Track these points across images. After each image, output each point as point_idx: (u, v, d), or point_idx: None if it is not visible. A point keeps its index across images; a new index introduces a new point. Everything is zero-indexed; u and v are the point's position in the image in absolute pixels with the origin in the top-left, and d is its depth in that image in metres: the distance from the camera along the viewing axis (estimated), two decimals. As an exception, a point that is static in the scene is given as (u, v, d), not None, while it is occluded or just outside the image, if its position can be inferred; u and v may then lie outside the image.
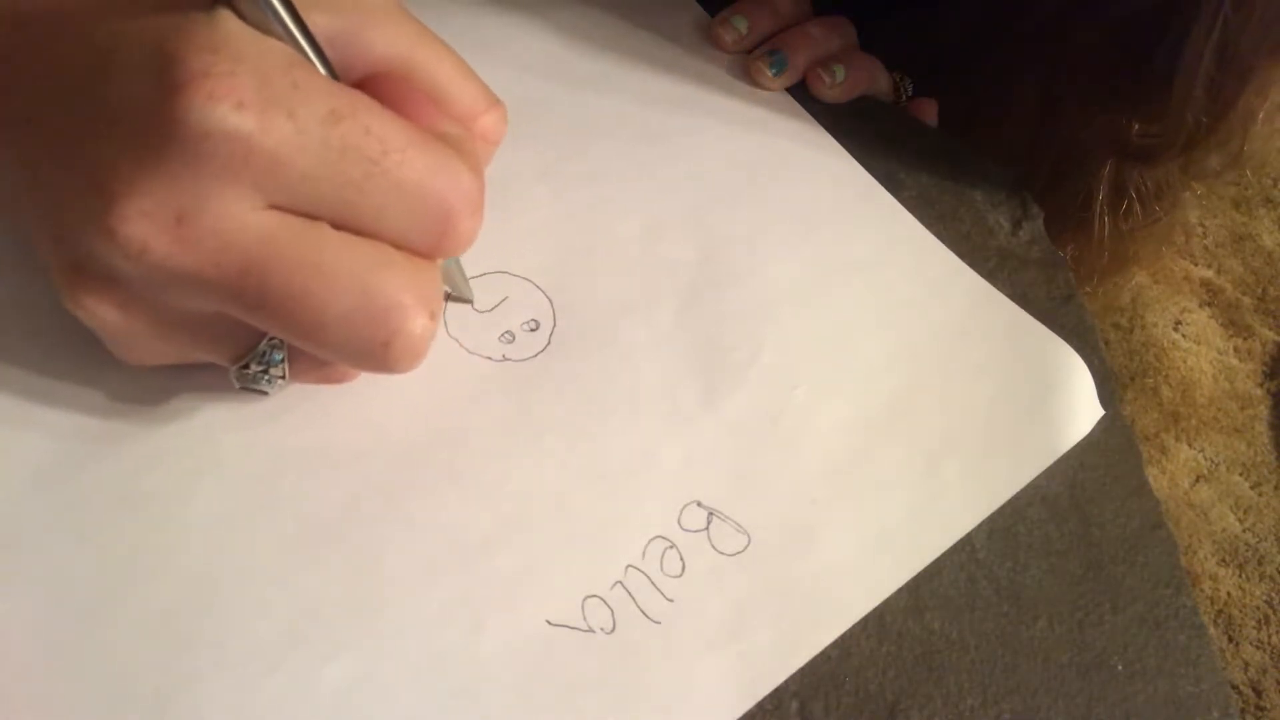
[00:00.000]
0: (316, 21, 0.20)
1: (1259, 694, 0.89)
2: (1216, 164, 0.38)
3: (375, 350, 0.21)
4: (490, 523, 0.25)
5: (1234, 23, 0.31)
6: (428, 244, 0.21)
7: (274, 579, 0.23)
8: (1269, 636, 0.92)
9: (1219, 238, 1.18)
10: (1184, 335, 1.09)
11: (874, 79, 0.38)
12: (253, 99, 0.18)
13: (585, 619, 0.24)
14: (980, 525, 0.28)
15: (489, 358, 0.28)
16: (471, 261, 0.29)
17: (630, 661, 0.24)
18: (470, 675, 0.23)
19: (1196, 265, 1.15)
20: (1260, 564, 0.96)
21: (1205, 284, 1.14)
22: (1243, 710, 0.88)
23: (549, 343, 0.29)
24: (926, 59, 0.42)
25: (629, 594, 0.25)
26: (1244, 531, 0.98)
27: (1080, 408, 0.31)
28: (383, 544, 0.24)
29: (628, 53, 0.36)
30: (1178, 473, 1.00)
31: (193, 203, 0.19)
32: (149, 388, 0.25)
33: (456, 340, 0.28)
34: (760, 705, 0.24)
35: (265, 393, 0.24)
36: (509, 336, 0.28)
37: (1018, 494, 0.29)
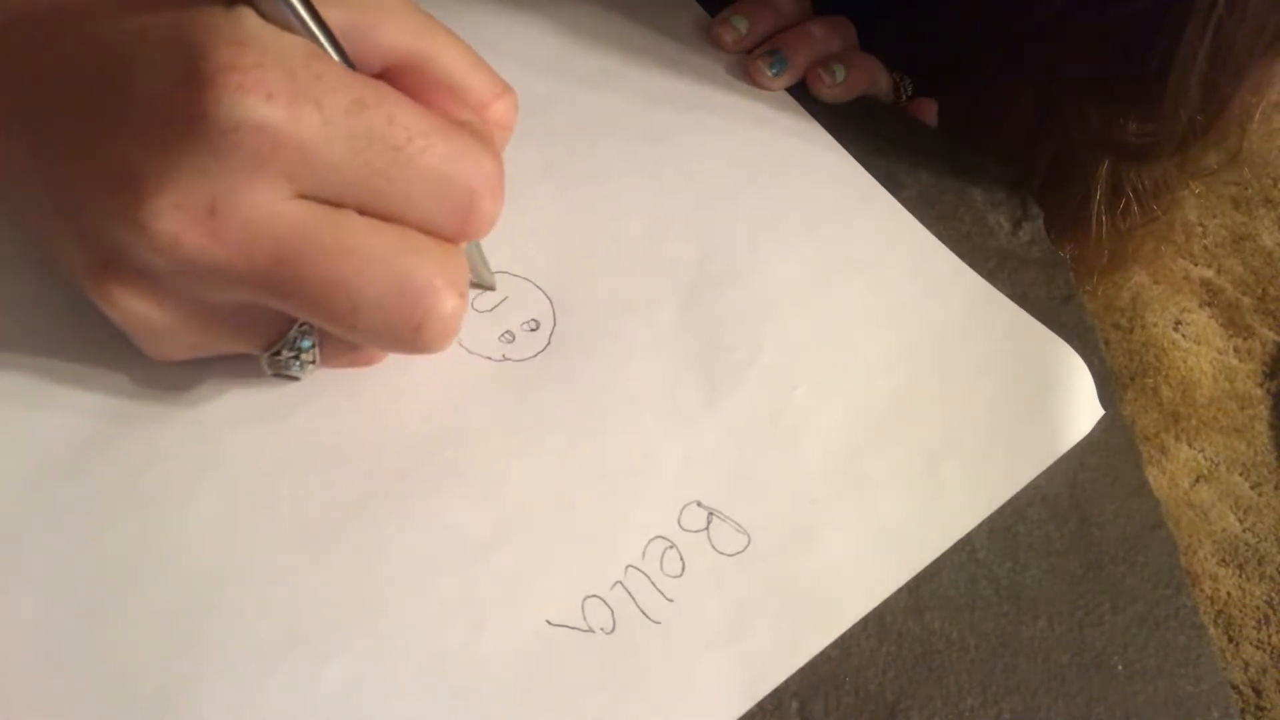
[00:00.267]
0: (330, 16, 0.21)
1: (1259, 694, 0.89)
2: (1214, 162, 0.39)
3: (408, 333, 0.21)
4: (490, 523, 0.25)
5: (1228, 21, 0.31)
6: (452, 227, 0.22)
7: (274, 579, 0.23)
8: (1269, 636, 0.92)
9: (1219, 237, 1.18)
10: (1184, 335, 1.09)
11: (874, 79, 0.38)
12: (281, 90, 0.19)
13: (585, 619, 0.24)
14: (980, 525, 0.28)
15: (489, 357, 0.28)
16: (472, 261, 0.29)
17: (630, 661, 0.24)
18: (470, 675, 0.23)
19: (1196, 265, 1.15)
20: (1260, 564, 0.96)
21: (1205, 284, 1.14)
22: (1243, 710, 0.88)
23: (549, 342, 0.29)
24: (926, 59, 0.42)
25: (629, 594, 0.25)
26: (1244, 531, 0.97)
27: (1080, 408, 0.31)
28: (383, 544, 0.24)
29: (627, 52, 0.36)
30: (1178, 473, 1.00)
31: (224, 194, 0.19)
32: (149, 388, 0.25)
33: (457, 340, 0.28)
34: (760, 705, 0.24)
35: (297, 378, 0.24)
36: (509, 336, 0.28)
37: (1018, 494, 0.29)
